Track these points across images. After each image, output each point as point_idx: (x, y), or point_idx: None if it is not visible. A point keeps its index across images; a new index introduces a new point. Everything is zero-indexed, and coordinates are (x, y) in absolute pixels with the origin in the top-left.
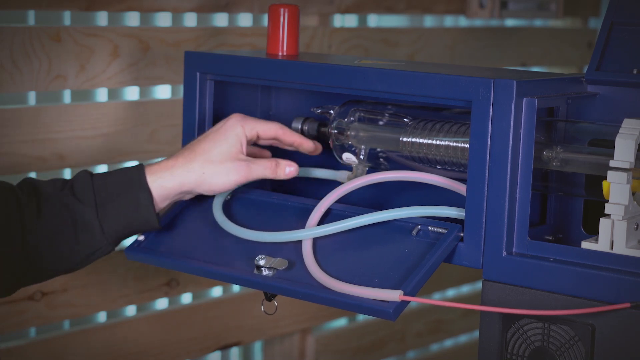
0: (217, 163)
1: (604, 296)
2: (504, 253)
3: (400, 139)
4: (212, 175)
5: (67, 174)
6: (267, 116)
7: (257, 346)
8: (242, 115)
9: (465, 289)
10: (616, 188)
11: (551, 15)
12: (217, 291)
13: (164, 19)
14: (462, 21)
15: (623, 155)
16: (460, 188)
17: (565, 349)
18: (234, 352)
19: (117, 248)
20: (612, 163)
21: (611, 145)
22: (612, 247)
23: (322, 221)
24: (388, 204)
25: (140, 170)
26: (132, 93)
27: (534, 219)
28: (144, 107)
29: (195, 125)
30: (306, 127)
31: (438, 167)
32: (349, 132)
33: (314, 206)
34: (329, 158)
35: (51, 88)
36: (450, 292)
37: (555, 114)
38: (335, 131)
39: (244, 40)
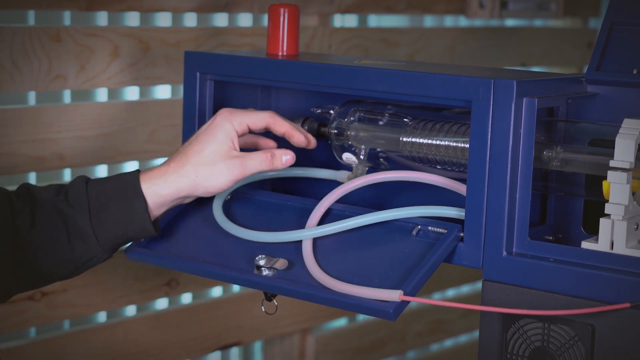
0: (209, 164)
1: (604, 296)
2: (504, 253)
3: (400, 139)
4: (206, 177)
5: (67, 174)
6: None
7: (257, 346)
8: (229, 110)
9: (465, 289)
10: (616, 188)
11: (551, 15)
12: (217, 291)
13: (164, 19)
14: (462, 21)
15: (623, 155)
16: (460, 188)
17: (565, 349)
18: (234, 352)
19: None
20: (612, 163)
21: (611, 145)
22: (612, 247)
23: (322, 221)
24: (388, 204)
25: (135, 176)
26: (132, 93)
27: (534, 219)
28: (144, 107)
29: (195, 125)
30: (306, 127)
31: (438, 167)
32: (349, 132)
33: (314, 206)
34: (329, 158)
35: (51, 88)
36: (450, 292)
37: (555, 114)
38: (335, 131)
39: (244, 40)
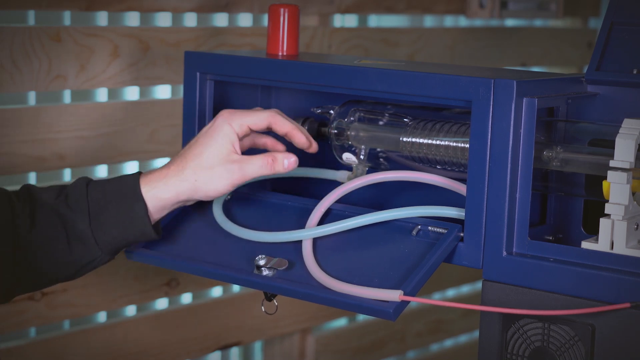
0: (208, 168)
1: (604, 296)
2: (504, 253)
3: (400, 139)
4: (205, 181)
5: (67, 174)
6: None
7: (257, 346)
8: (229, 112)
9: (465, 289)
10: (616, 188)
11: (551, 15)
12: (217, 291)
13: (164, 19)
14: (462, 21)
15: (623, 155)
16: (460, 188)
17: (565, 349)
18: (234, 352)
19: None
20: (612, 163)
21: (611, 145)
22: (612, 247)
23: (322, 221)
24: (388, 204)
25: (135, 179)
26: (132, 93)
27: (534, 219)
28: (144, 107)
29: (195, 125)
30: (306, 127)
31: (438, 167)
32: (349, 132)
33: (314, 206)
34: (329, 158)
35: (51, 88)
36: (450, 292)
37: (555, 114)
38: (335, 131)
39: (244, 40)
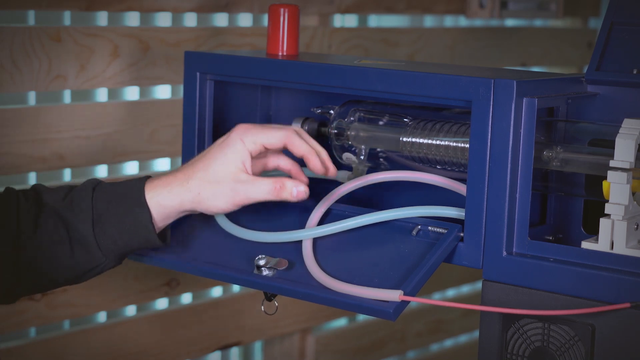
0: (213, 184)
1: (604, 296)
2: (504, 253)
3: (400, 139)
4: (208, 197)
5: (67, 174)
6: (267, 116)
7: (257, 346)
8: (245, 127)
9: (465, 289)
10: (616, 188)
11: (551, 15)
12: (217, 291)
13: (164, 19)
14: (462, 21)
15: (623, 155)
16: (460, 188)
17: (565, 349)
18: (234, 352)
19: None
20: (612, 163)
21: (611, 145)
22: (612, 247)
23: (322, 221)
24: (388, 204)
25: (140, 185)
26: (132, 93)
27: (534, 219)
28: (144, 107)
29: (195, 125)
30: (306, 127)
31: (438, 167)
32: (349, 132)
33: (314, 206)
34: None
35: (51, 88)
36: (450, 292)
37: (555, 114)
38: (335, 131)
39: (244, 40)
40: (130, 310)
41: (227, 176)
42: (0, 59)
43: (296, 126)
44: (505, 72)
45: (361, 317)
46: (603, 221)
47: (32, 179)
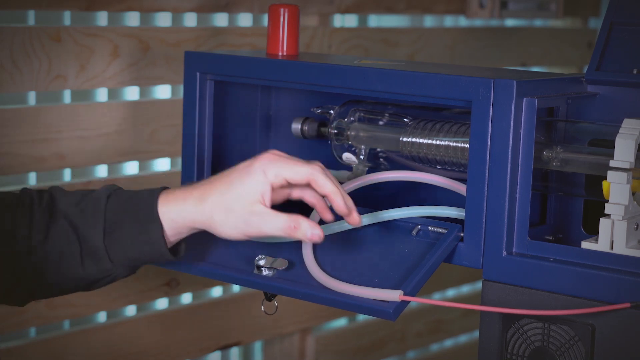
0: (228, 211)
1: (604, 296)
2: (504, 253)
3: (400, 139)
4: (220, 222)
5: (67, 174)
6: (267, 116)
7: (257, 346)
8: (271, 157)
9: (465, 289)
10: (616, 188)
11: (551, 15)
12: (217, 291)
13: (164, 19)
14: (462, 21)
15: (623, 155)
16: (460, 188)
17: (565, 349)
18: (234, 352)
19: None
20: (612, 163)
21: (611, 145)
22: (612, 247)
23: (322, 221)
24: (388, 204)
25: (154, 197)
26: (132, 93)
27: (534, 219)
28: (144, 107)
29: (195, 125)
30: (306, 127)
31: (438, 167)
32: (349, 132)
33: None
34: (329, 158)
35: (51, 88)
36: (450, 292)
37: (555, 114)
38: (335, 131)
39: (244, 40)
40: (130, 310)
41: (242, 206)
42: (0, 59)
43: (296, 126)
44: (505, 72)
45: (361, 317)
46: (603, 221)
47: (32, 179)
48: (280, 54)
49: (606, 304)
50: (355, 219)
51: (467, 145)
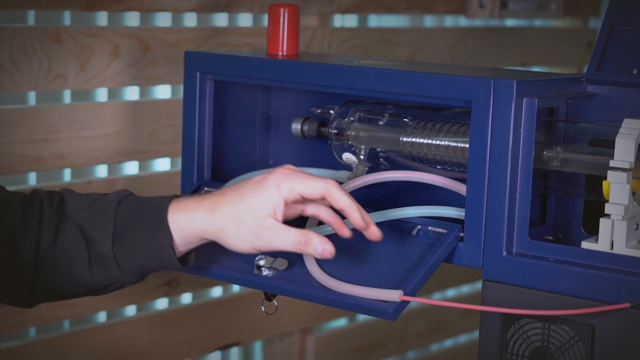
0: (239, 223)
1: (604, 296)
2: (504, 253)
3: (400, 139)
4: (230, 234)
5: (67, 174)
6: (267, 116)
7: (257, 346)
8: (285, 171)
9: (465, 289)
10: (616, 188)
11: (551, 15)
12: (217, 291)
13: (164, 19)
14: (462, 21)
15: (623, 155)
16: (460, 188)
17: (565, 349)
18: (234, 352)
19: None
20: (612, 163)
21: (611, 145)
22: (612, 247)
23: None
24: (388, 204)
25: (164, 205)
26: (132, 93)
27: (534, 219)
28: (144, 107)
29: (195, 125)
30: (306, 127)
31: (438, 167)
32: (349, 132)
33: None
34: (329, 158)
35: (51, 88)
36: (450, 292)
37: (555, 114)
38: (335, 131)
39: (244, 40)
40: (130, 310)
41: (253, 219)
42: (0, 59)
43: (296, 126)
44: (505, 72)
45: (361, 317)
46: (603, 221)
47: (32, 179)
48: (280, 54)
49: (606, 304)
50: (375, 233)
51: (467, 145)
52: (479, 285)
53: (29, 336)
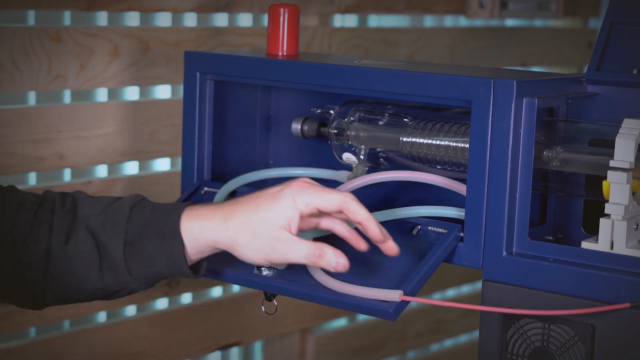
0: (252, 233)
1: (604, 296)
2: (504, 253)
3: (400, 139)
4: (243, 244)
5: (67, 174)
6: (267, 116)
7: (257, 346)
8: (302, 184)
9: (465, 289)
10: (616, 188)
11: (551, 15)
12: (217, 291)
13: (164, 19)
14: (462, 21)
15: (623, 155)
16: (460, 188)
17: (565, 349)
18: (234, 352)
19: None
20: (612, 163)
21: (611, 145)
22: (612, 247)
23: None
24: (388, 204)
25: (177, 214)
26: (132, 93)
27: (534, 219)
28: (144, 107)
29: (195, 125)
30: (306, 127)
31: (438, 167)
32: (349, 132)
33: None
34: (329, 158)
35: (51, 88)
36: (450, 292)
37: (555, 114)
38: (335, 131)
39: (244, 40)
40: (130, 310)
41: (267, 230)
42: (0, 59)
43: (296, 126)
44: (505, 72)
45: (361, 317)
46: (603, 221)
47: (32, 179)
48: (280, 54)
49: (606, 304)
50: (393, 248)
51: (467, 145)
52: (479, 285)
53: (29, 336)
